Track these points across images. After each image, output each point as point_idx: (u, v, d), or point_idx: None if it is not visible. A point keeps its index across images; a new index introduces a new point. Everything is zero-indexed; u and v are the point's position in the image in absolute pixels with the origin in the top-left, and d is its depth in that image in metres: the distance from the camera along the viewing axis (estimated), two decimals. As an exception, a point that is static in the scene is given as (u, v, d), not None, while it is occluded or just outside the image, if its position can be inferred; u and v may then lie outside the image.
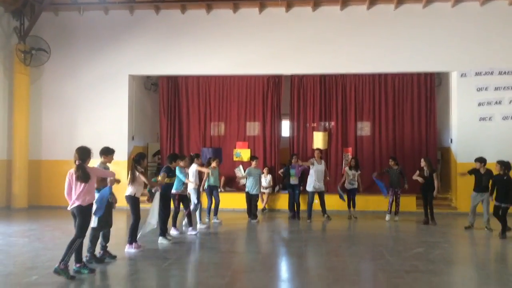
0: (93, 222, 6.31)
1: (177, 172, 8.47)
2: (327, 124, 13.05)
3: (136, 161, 7.31)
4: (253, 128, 13.29)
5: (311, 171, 10.60)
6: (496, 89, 11.88)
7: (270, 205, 12.30)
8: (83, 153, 6.02)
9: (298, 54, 12.44)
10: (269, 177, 12.20)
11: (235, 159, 13.05)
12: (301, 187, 11.02)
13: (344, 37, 12.37)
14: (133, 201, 7.33)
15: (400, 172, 10.63)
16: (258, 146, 13.08)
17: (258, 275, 6.02)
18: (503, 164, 8.78)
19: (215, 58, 12.69)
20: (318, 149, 11.22)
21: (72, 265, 5.85)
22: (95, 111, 12.90)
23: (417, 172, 10.27)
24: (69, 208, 5.98)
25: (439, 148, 13.16)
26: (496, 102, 11.88)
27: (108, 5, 12.63)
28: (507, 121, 11.82)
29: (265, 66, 12.64)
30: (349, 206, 10.96)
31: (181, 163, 8.54)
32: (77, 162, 5.93)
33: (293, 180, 10.76)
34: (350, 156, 12.32)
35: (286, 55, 12.49)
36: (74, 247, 5.73)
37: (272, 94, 13.11)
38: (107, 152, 6.93)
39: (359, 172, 10.97)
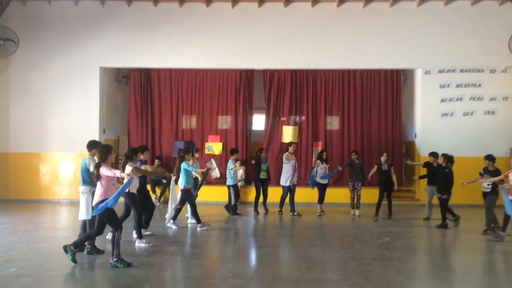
0: (88, 214, 6.53)
1: (186, 166, 8.56)
2: (297, 118, 13.37)
3: (128, 156, 7.21)
4: (225, 122, 13.46)
5: (287, 167, 10.57)
6: (457, 86, 12.50)
7: (242, 198, 12.52)
8: (104, 151, 6.12)
9: (270, 49, 12.65)
10: (241, 170, 12.40)
11: (206, 152, 13.17)
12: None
13: (315, 33, 12.68)
14: (132, 197, 7.26)
15: (361, 167, 10.80)
16: (230, 140, 13.26)
17: (235, 264, 6.25)
18: (446, 157, 9.28)
19: (188, 52, 12.75)
20: (295, 143, 11.25)
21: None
22: (64, 104, 12.71)
23: (375, 167, 10.37)
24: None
25: (404, 142, 13.72)
26: (458, 99, 12.50)
27: (77, -4, 12.45)
28: (468, 117, 12.46)
29: (238, 61, 12.80)
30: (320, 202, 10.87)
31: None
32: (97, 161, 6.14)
33: (263, 175, 10.83)
34: (319, 150, 12.65)
35: (258, 50, 12.68)
36: (116, 240, 5.92)
37: (244, 88, 13.31)
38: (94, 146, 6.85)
39: (328, 165, 11.12)
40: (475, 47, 12.38)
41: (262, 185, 10.89)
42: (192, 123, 13.63)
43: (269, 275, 5.80)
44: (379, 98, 13.26)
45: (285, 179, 10.62)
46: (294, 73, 13.28)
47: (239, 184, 12.19)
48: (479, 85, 12.44)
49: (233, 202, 10.71)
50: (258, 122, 13.97)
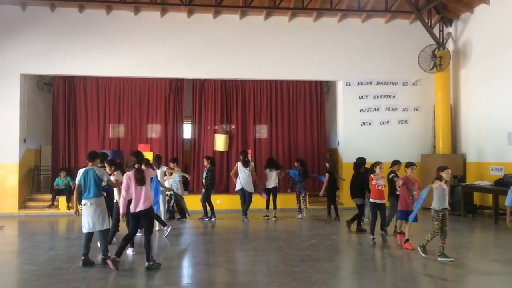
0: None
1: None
2: (227, 127, 13.66)
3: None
4: (155, 130, 13.41)
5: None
6: (374, 97, 13.51)
7: (175, 207, 12.47)
8: (140, 157, 6.41)
9: (200, 59, 12.85)
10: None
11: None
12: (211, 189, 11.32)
13: (243, 44, 13.08)
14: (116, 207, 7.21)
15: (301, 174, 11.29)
16: (160, 149, 13.23)
17: (167, 272, 6.34)
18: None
19: (116, 60, 12.58)
20: (245, 151, 11.38)
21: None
22: (-19, 112, 11.99)
23: (327, 175, 10.83)
24: (137, 210, 6.25)
25: (328, 149, 14.53)
26: (375, 109, 13.51)
27: (-4, -1, 11.82)
28: (384, 126, 13.50)
29: (167, 70, 12.84)
30: (267, 207, 11.26)
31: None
32: (136, 166, 6.19)
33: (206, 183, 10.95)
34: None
35: (188, 60, 12.82)
36: (150, 244, 6.27)
37: (174, 97, 13.37)
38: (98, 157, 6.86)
39: (278, 171, 11.36)
40: (390, 61, 13.48)
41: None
42: (120, 131, 13.42)
43: (203, 280, 5.97)
44: (305, 108, 13.95)
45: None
46: (223, 82, 13.58)
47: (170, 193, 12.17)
48: (394, 96, 13.55)
49: (163, 211, 10.75)
50: (189, 131, 14.06)
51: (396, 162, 8.90)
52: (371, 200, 8.35)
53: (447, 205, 6.95)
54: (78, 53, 12.40)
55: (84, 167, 6.77)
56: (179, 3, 11.95)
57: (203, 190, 11.03)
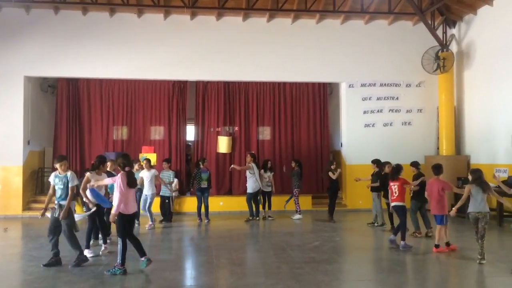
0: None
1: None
2: (230, 128, 13.66)
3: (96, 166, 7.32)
4: (158, 132, 13.43)
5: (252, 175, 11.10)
6: (378, 99, 13.48)
7: (176, 209, 12.53)
8: (129, 159, 6.49)
9: (203, 61, 12.86)
10: (175, 181, 12.43)
11: (141, 163, 13.01)
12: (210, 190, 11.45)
13: (246, 46, 13.09)
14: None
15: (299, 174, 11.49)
16: (164, 150, 13.25)
17: (170, 274, 6.34)
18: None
19: (119, 62, 12.61)
20: (250, 152, 11.79)
21: None
22: (-14, 114, 12.05)
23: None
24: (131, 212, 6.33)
25: (331, 151, 14.50)
26: (378, 111, 13.48)
27: (1, 3, 11.85)
28: (387, 127, 13.47)
29: (170, 72, 12.87)
30: (264, 207, 11.47)
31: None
32: (126, 169, 6.24)
33: (204, 184, 11.03)
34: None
35: (191, 62, 12.84)
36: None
37: (177, 99, 13.38)
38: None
39: (273, 173, 11.61)
40: (393, 63, 13.46)
41: (203, 194, 11.07)
42: (124, 133, 13.45)
43: (206, 282, 5.98)
44: (308, 109, 13.93)
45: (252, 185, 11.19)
46: (226, 84, 13.58)
47: (173, 194, 12.24)
48: (397, 98, 13.52)
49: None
50: (193, 132, 14.06)
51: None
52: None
53: (479, 209, 6.85)
54: (81, 56, 12.45)
55: (88, 169, 6.83)
56: (182, 6, 11.97)
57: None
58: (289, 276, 6.18)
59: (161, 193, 11.09)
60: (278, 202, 12.05)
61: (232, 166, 11.83)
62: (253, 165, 11.18)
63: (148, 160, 10.57)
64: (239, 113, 13.64)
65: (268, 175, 11.46)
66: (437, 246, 7.61)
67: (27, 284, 5.94)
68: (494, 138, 11.74)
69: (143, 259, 6.39)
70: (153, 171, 10.40)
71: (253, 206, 11.21)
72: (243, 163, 13.40)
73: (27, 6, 12.09)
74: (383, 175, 9.78)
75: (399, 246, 7.82)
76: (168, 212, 11.10)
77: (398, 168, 8.24)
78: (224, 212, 12.48)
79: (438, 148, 13.35)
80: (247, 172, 11.27)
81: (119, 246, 6.24)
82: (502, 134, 11.43)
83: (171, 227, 10.51)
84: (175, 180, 12.42)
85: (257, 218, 11.19)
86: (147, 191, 10.32)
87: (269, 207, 11.54)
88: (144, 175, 10.29)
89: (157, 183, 10.67)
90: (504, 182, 10.42)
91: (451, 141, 12.89)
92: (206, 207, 11.12)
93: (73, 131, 13.24)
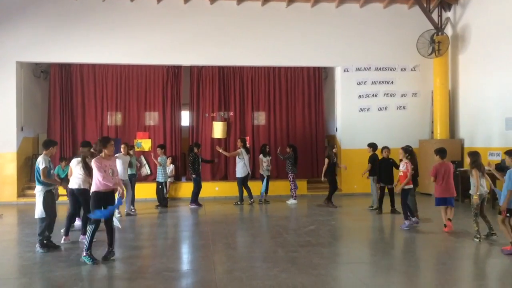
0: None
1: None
2: (225, 114, 13.62)
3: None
4: (153, 118, 13.36)
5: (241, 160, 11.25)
6: (373, 83, 13.46)
7: (172, 194, 12.56)
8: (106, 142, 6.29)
9: (197, 45, 12.75)
10: (171, 166, 12.44)
11: (136, 149, 12.99)
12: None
13: (241, 31, 12.97)
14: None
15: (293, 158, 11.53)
16: (159, 136, 13.21)
17: (168, 259, 6.38)
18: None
19: (112, 47, 12.49)
20: (241, 137, 12.01)
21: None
22: (-23, 100, 11.93)
23: (326, 160, 10.88)
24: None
25: (326, 135, 14.51)
26: (373, 95, 13.47)
27: (-9, -14, 11.67)
28: (382, 112, 13.48)
29: (164, 57, 12.75)
30: (265, 192, 11.53)
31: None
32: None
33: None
34: (248, 145, 13.06)
35: (185, 46, 12.72)
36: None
37: (172, 84, 13.30)
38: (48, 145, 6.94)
39: (270, 157, 11.71)
40: (388, 47, 13.41)
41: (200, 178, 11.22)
42: (118, 119, 13.37)
43: (203, 266, 6.02)
44: (303, 94, 13.90)
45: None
46: (221, 69, 13.50)
47: (169, 180, 12.25)
48: (392, 82, 13.51)
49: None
50: (187, 118, 14.02)
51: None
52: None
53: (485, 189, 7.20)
54: (74, 41, 12.29)
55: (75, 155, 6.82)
56: (175, -11, 11.82)
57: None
58: (286, 259, 6.23)
59: (157, 179, 11.08)
60: (273, 187, 12.10)
61: (220, 150, 11.77)
62: (242, 150, 11.22)
63: (127, 145, 10.20)
64: (234, 98, 13.58)
65: (267, 159, 11.50)
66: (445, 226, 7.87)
67: (24, 269, 5.96)
68: (488, 121, 11.79)
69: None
70: (126, 157, 9.91)
71: (244, 190, 11.30)
72: (238, 147, 13.43)
73: (17, -10, 11.89)
74: (382, 160, 9.85)
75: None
76: (162, 197, 11.10)
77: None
78: (219, 197, 12.53)
79: (432, 132, 13.41)
80: (237, 157, 11.32)
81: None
82: (495, 117, 11.48)
83: (166, 212, 10.54)
84: (171, 166, 12.43)
85: (252, 201, 11.25)
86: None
87: (266, 192, 11.57)
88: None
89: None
90: (497, 165, 10.56)
91: (446, 125, 12.94)
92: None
93: (66, 117, 13.13)
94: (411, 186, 8.54)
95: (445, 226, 7.88)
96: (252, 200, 11.33)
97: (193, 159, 11.06)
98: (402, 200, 8.33)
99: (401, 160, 8.55)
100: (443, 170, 7.90)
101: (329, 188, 11.09)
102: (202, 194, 11.53)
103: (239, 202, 11.25)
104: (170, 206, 11.17)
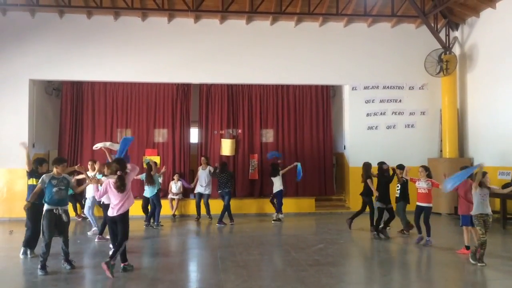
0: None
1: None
2: (234, 131, 13.70)
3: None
4: (162, 135, 13.47)
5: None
6: (381, 101, 13.50)
7: (181, 211, 12.57)
8: (122, 164, 6.45)
9: (206, 64, 12.92)
10: (179, 183, 12.49)
11: (144, 166, 13.06)
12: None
13: (250, 49, 13.15)
14: None
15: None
16: (167, 153, 13.29)
17: (177, 276, 6.38)
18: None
19: (123, 65, 12.69)
20: (203, 156, 12.27)
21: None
22: (-9, 117, 12.13)
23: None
24: (110, 215, 6.50)
25: (335, 153, 14.52)
26: (381, 113, 13.50)
27: (6, 7, 11.95)
28: (390, 130, 13.49)
29: (174, 75, 12.92)
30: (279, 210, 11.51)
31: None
32: (118, 173, 6.28)
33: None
34: (256, 162, 13.14)
35: (194, 65, 12.90)
36: (122, 248, 6.36)
37: (181, 102, 13.42)
38: (59, 162, 7.05)
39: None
40: (396, 65, 13.49)
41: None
42: (127, 136, 13.45)
43: (211, 284, 6.01)
44: (311, 112, 13.95)
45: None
46: (230, 87, 13.63)
47: (176, 197, 12.28)
48: (400, 100, 13.54)
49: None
50: (196, 135, 14.11)
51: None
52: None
53: (487, 211, 6.87)
54: (86, 59, 12.53)
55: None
56: (186, 9, 12.04)
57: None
58: (294, 278, 6.21)
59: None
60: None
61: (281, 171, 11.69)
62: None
63: (94, 162, 10.13)
64: (243, 115, 13.67)
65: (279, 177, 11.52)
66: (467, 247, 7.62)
67: (34, 286, 5.99)
68: (498, 140, 11.75)
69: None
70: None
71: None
72: (247, 165, 13.49)
73: (32, 9, 12.18)
74: (385, 176, 9.77)
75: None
76: (151, 213, 10.89)
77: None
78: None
79: (441, 151, 13.37)
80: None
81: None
82: (505, 136, 11.45)
83: (174, 227, 10.55)
84: (179, 183, 12.48)
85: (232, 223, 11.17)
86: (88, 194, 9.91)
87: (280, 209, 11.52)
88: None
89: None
90: (507, 184, 10.49)
91: (454, 143, 12.91)
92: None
93: (76, 134, 13.27)
94: (431, 204, 8.65)
95: (467, 248, 7.58)
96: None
97: (230, 176, 11.36)
98: (425, 218, 8.49)
99: (417, 180, 8.80)
100: (468, 185, 7.54)
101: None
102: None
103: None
104: (180, 221, 11.15)
